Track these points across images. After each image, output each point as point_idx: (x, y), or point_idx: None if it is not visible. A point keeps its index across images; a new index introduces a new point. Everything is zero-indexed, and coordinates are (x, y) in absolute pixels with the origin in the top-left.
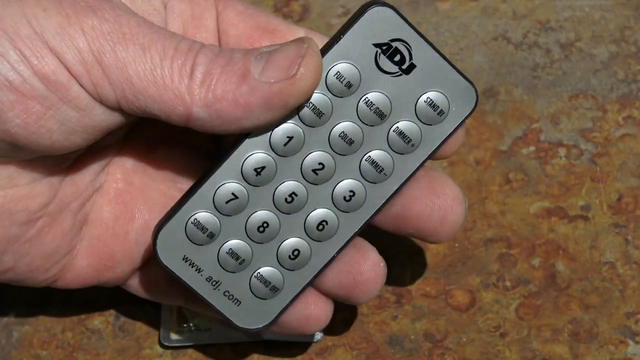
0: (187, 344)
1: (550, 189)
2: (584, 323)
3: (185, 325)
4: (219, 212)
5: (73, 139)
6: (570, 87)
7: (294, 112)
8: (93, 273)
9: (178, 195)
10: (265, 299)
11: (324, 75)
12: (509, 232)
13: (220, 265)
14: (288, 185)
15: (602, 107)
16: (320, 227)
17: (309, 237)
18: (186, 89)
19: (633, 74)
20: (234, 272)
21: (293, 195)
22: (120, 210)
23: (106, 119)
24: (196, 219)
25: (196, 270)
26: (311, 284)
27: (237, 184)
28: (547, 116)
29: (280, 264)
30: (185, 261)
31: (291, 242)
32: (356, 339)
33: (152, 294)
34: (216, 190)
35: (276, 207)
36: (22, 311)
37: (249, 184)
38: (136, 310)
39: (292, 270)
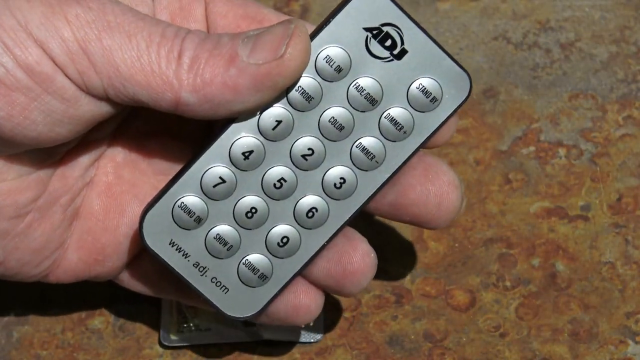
0: (187, 344)
1: (550, 189)
2: (584, 323)
3: (185, 325)
4: (206, 196)
5: (59, 131)
6: (570, 87)
7: (282, 95)
8: (84, 267)
9: None
10: (253, 287)
11: (313, 58)
12: (509, 232)
13: (208, 251)
14: (277, 171)
15: (602, 107)
16: (310, 214)
17: (299, 224)
18: (174, 74)
19: (633, 74)
20: (222, 258)
21: (282, 181)
22: (110, 204)
23: (92, 109)
24: (183, 203)
25: (183, 255)
26: (301, 273)
27: (225, 168)
28: (547, 116)
29: (269, 251)
30: (172, 246)
31: (280, 229)
32: (356, 339)
33: (143, 288)
34: (204, 173)
35: (265, 193)
36: (22, 311)
37: (237, 168)
38: (136, 310)
39: (282, 258)
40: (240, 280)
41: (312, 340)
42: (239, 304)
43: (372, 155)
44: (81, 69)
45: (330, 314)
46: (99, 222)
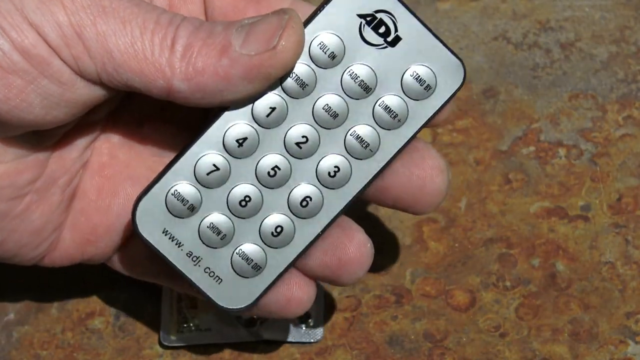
0: (187, 344)
1: (550, 189)
2: (584, 323)
3: (185, 325)
4: (199, 183)
5: (55, 114)
6: (570, 87)
7: (277, 83)
8: (76, 248)
9: None
10: (247, 277)
11: (307, 45)
12: (509, 232)
13: (201, 240)
14: (271, 159)
15: (602, 107)
16: (304, 203)
17: (293, 213)
18: (167, 62)
19: (633, 74)
20: (215, 248)
21: (276, 169)
22: (103, 184)
23: (88, 92)
24: (176, 190)
25: (176, 244)
26: (295, 263)
27: (218, 155)
28: (547, 116)
29: (263, 241)
30: (165, 234)
31: (274, 218)
32: (356, 339)
33: (135, 272)
34: (197, 161)
35: (259, 181)
36: (22, 311)
37: (231, 155)
38: (136, 310)
39: (275, 248)
40: (234, 270)
41: (312, 340)
42: (232, 295)
43: (366, 143)
44: (75, 53)
45: (330, 314)
46: (92, 203)
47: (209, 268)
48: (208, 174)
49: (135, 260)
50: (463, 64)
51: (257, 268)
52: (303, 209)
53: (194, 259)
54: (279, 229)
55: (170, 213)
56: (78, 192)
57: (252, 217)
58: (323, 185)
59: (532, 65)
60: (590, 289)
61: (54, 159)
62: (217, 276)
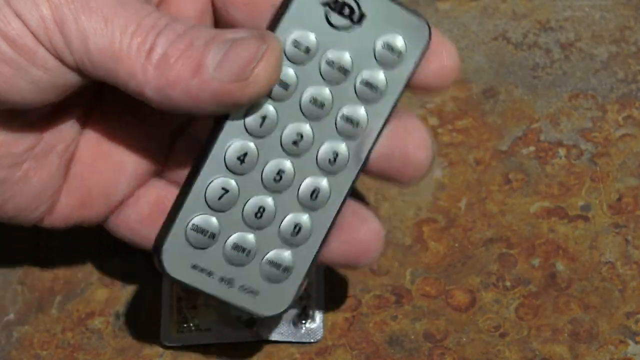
0: (187, 344)
1: (550, 189)
2: (584, 323)
3: (185, 325)
4: (214, 210)
5: (45, 96)
6: (570, 87)
7: None
8: (73, 210)
9: (161, 137)
10: (279, 282)
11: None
12: (509, 232)
13: (229, 262)
14: (273, 164)
15: (602, 107)
16: (314, 195)
17: (306, 208)
18: (141, 68)
19: (633, 74)
20: (244, 265)
21: (281, 173)
22: (99, 150)
23: (75, 78)
24: (194, 224)
25: (207, 274)
26: (320, 252)
27: (224, 178)
28: (547, 116)
29: (285, 244)
30: (195, 269)
31: (290, 219)
32: (356, 339)
33: (129, 236)
34: (206, 189)
35: (267, 189)
36: (22, 311)
37: (236, 173)
38: (136, 310)
39: (298, 245)
40: (267, 279)
41: (312, 340)
42: (270, 301)
43: (356, 121)
44: (58, 47)
45: (330, 314)
46: (87, 167)
47: (243, 286)
48: (219, 198)
49: (128, 224)
50: (427, 21)
51: (287, 270)
52: (314, 201)
53: (227, 281)
54: (297, 228)
55: (194, 247)
56: (75, 157)
57: (269, 225)
58: (327, 173)
59: (532, 65)
60: (590, 289)
61: (52, 126)
62: (251, 290)
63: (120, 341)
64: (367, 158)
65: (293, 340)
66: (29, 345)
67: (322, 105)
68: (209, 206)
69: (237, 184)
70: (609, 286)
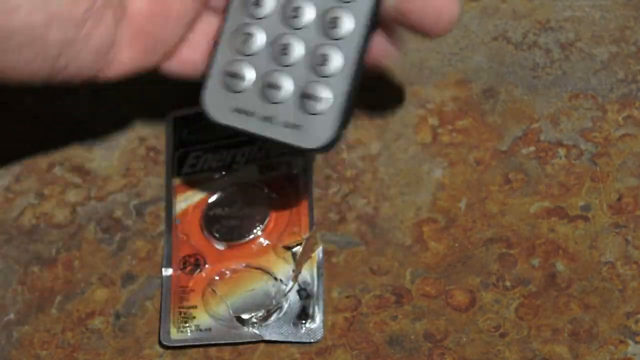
0: (187, 344)
1: (550, 189)
2: (583, 323)
3: (185, 325)
4: (244, 54)
5: None
6: (570, 87)
7: None
8: (130, 60)
9: None
10: (321, 113)
11: None
12: (509, 232)
13: (267, 101)
14: (293, 3)
15: (602, 107)
16: (334, 25)
17: (329, 38)
18: None
19: (633, 74)
20: (282, 102)
21: (297, 10)
22: (155, 2)
23: None
24: (228, 70)
25: (250, 115)
26: (358, 78)
27: (247, 24)
28: (547, 116)
29: (317, 75)
30: (237, 112)
31: (315, 50)
32: (356, 339)
33: (188, 72)
34: (233, 36)
35: (290, 27)
36: (22, 311)
37: (256, 17)
38: (136, 310)
39: (331, 75)
40: (307, 111)
41: (312, 340)
42: (313, 133)
43: None
44: None
45: (330, 314)
46: (143, 18)
47: (286, 121)
48: (246, 43)
49: (188, 62)
50: None
51: (326, 100)
52: (335, 30)
53: (269, 119)
54: (324, 58)
55: (233, 91)
56: (128, 9)
57: (299, 60)
58: (343, 2)
59: (532, 65)
60: (590, 289)
61: None
62: (294, 124)
63: (120, 341)
64: None
65: (293, 340)
66: (29, 345)
67: None
68: (238, 51)
69: (260, 26)
70: (609, 286)
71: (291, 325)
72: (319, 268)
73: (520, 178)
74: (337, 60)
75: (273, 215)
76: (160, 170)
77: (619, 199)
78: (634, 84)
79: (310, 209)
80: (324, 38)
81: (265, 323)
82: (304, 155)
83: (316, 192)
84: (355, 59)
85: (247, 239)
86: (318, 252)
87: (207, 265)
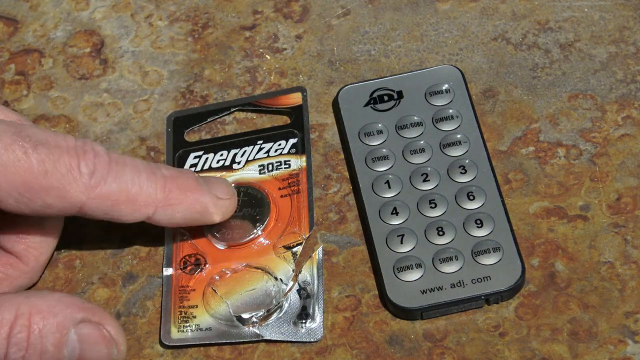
0: (187, 344)
1: (550, 189)
2: (583, 323)
3: (185, 325)
4: (403, 252)
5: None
6: (570, 87)
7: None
8: None
9: None
10: (499, 258)
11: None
12: None
13: (449, 272)
14: (421, 197)
15: (601, 107)
16: (468, 192)
17: (469, 202)
18: None
19: (632, 74)
20: (462, 267)
21: (433, 202)
22: None
23: None
24: (399, 267)
25: (438, 290)
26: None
27: (392, 227)
28: (546, 116)
29: (480, 232)
30: (425, 293)
31: (465, 215)
32: (356, 339)
33: None
34: (386, 240)
35: (430, 211)
36: None
37: (399, 215)
38: (137, 309)
39: (490, 226)
40: (488, 263)
41: (312, 340)
42: (505, 275)
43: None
44: None
45: (330, 314)
46: None
47: (474, 279)
48: (402, 242)
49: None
50: (460, 69)
51: (496, 249)
52: (471, 192)
53: (458, 284)
54: (477, 219)
55: (412, 280)
56: None
57: (456, 231)
58: (463, 175)
59: (532, 66)
60: (590, 289)
61: None
62: (483, 277)
63: None
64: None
65: (293, 339)
66: None
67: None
68: (396, 251)
69: (405, 222)
70: (608, 286)
71: (291, 324)
72: (319, 268)
73: (519, 178)
74: (487, 215)
75: (273, 215)
76: None
77: (618, 199)
78: (633, 84)
79: (310, 209)
80: (465, 202)
81: (266, 323)
82: (304, 155)
83: (316, 192)
84: (502, 200)
85: (247, 239)
86: (318, 252)
87: (207, 265)
